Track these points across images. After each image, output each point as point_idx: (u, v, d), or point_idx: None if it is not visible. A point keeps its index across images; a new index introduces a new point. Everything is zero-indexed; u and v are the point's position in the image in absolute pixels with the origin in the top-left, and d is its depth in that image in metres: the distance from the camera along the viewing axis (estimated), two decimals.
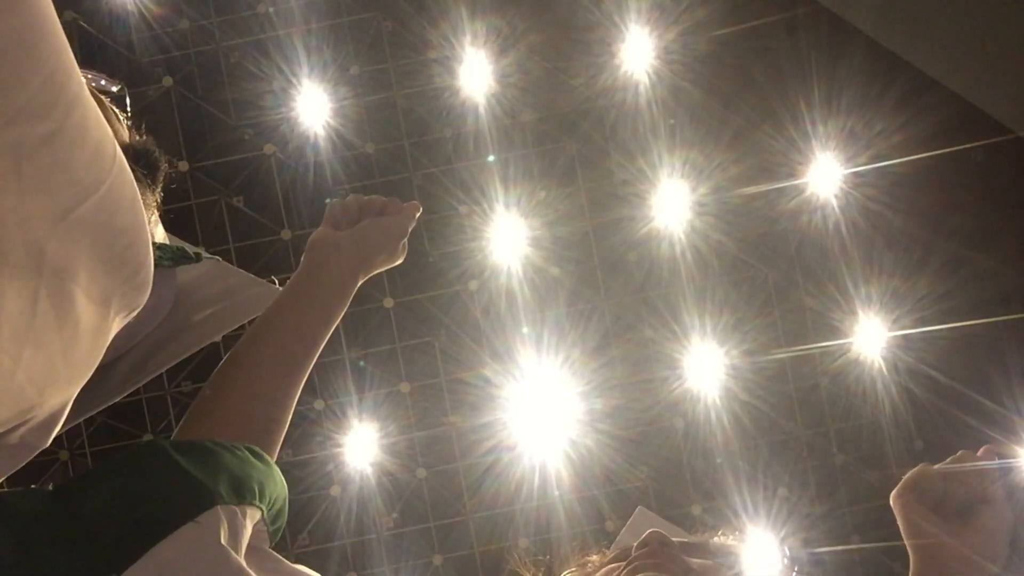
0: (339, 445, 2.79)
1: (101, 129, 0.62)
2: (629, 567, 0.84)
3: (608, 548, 0.98)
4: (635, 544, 0.87)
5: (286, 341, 0.86)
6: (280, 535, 0.76)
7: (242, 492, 0.67)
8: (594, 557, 0.95)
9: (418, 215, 1.02)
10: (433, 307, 2.95)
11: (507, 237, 2.78)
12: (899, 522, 0.87)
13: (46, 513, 0.61)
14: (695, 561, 0.87)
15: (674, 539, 0.88)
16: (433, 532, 2.88)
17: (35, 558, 0.58)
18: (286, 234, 2.88)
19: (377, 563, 2.85)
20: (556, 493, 2.73)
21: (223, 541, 0.61)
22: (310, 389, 2.83)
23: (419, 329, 2.94)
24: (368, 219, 0.97)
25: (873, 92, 2.72)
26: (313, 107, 2.79)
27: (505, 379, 2.74)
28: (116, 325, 0.70)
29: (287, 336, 0.86)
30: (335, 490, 2.82)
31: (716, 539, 0.95)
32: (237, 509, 0.65)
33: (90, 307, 0.64)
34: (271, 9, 2.86)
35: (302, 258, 0.94)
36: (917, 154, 2.57)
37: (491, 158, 2.84)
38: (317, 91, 2.79)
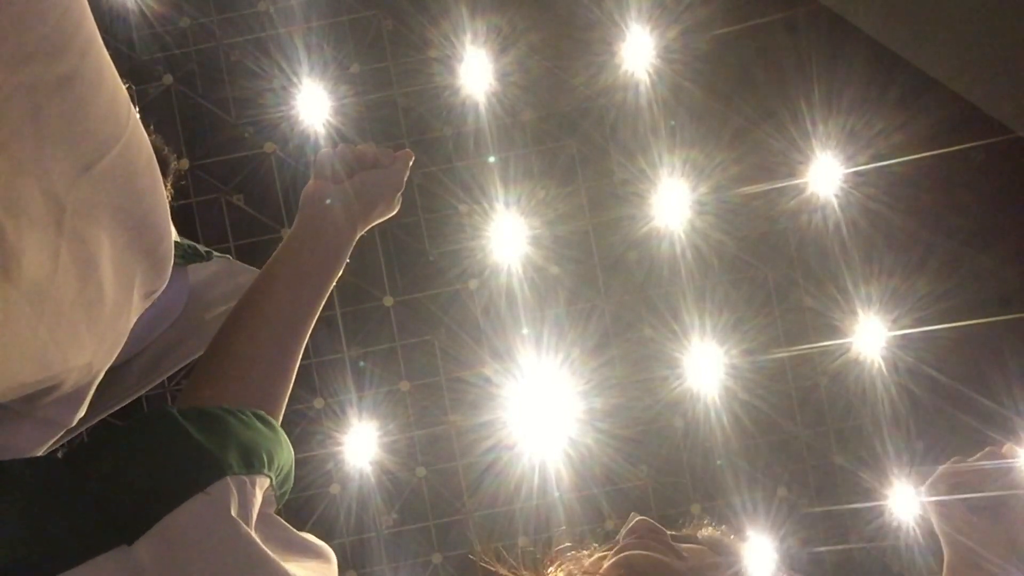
0: (339, 443, 2.79)
1: (115, 78, 0.60)
2: (617, 548, 0.85)
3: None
4: (625, 531, 0.88)
5: (285, 301, 0.84)
6: (286, 498, 0.76)
7: (251, 461, 0.67)
8: (585, 552, 0.96)
9: (411, 163, 1.00)
10: (433, 306, 2.95)
11: (507, 236, 2.77)
12: (931, 514, 0.89)
13: (54, 481, 0.60)
14: (683, 545, 0.87)
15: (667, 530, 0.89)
16: (432, 531, 2.88)
17: (43, 527, 0.57)
18: (286, 232, 2.87)
19: (376, 561, 2.85)
20: (556, 492, 2.73)
21: (233, 512, 0.61)
22: (309, 387, 2.83)
23: (419, 328, 2.94)
24: (363, 172, 0.95)
25: (873, 91, 2.72)
26: (313, 105, 2.79)
27: (505, 378, 2.74)
28: (138, 306, 0.69)
29: (286, 296, 0.84)
30: (335, 488, 2.82)
31: (704, 531, 0.96)
32: (246, 479, 0.64)
33: (113, 277, 0.63)
34: (272, 7, 2.85)
35: (297, 214, 0.92)
36: (917, 154, 2.57)
37: (492, 159, 2.84)
38: (317, 89, 2.79)
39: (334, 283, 0.90)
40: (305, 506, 2.81)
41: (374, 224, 0.97)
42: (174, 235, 1.01)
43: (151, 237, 0.67)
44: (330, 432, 2.80)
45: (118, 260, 0.63)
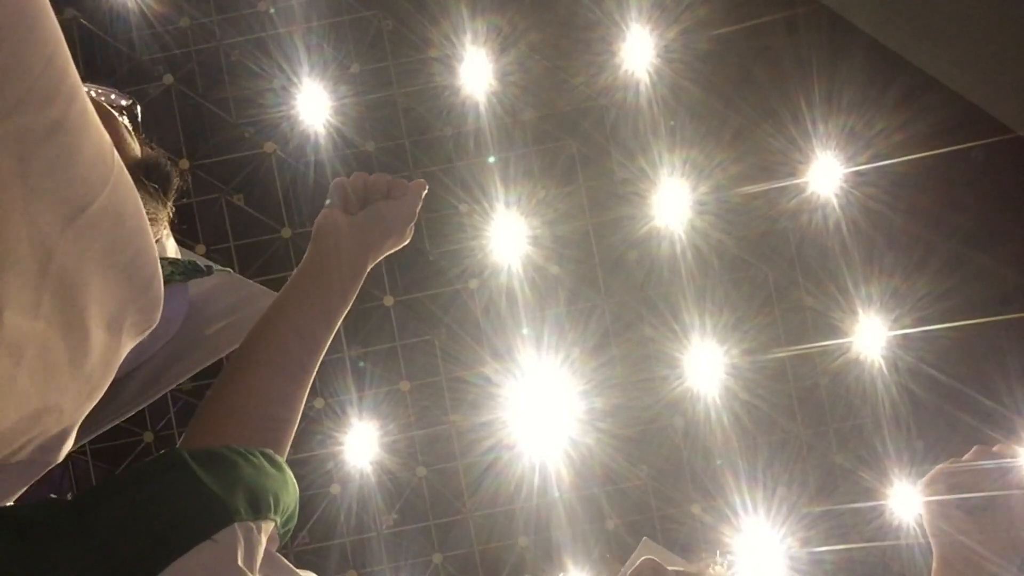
0: (339, 443, 2.79)
1: (99, 124, 0.59)
2: None
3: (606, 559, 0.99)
4: (629, 572, 0.88)
5: (291, 339, 0.84)
6: (289, 536, 0.76)
7: (258, 506, 0.66)
8: None
9: (424, 193, 0.99)
10: (433, 305, 2.95)
11: (507, 236, 2.77)
12: (923, 514, 0.90)
13: (60, 526, 0.59)
14: None
15: (669, 568, 0.88)
16: (433, 531, 2.88)
17: (48, 573, 0.56)
18: (286, 232, 2.88)
19: (377, 561, 2.85)
20: (556, 492, 2.73)
21: (239, 561, 0.60)
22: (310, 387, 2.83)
23: (419, 327, 2.94)
24: (375, 203, 0.94)
25: (873, 91, 2.72)
26: (313, 105, 2.79)
27: (505, 378, 2.74)
28: (128, 344, 0.68)
29: (292, 334, 0.84)
30: (335, 488, 2.82)
31: (712, 570, 0.95)
32: (253, 525, 0.64)
33: (101, 322, 0.62)
34: (272, 7, 2.85)
35: (309, 245, 0.91)
36: (918, 153, 2.57)
37: (492, 159, 2.84)
38: (317, 89, 2.79)
39: (345, 313, 0.89)
40: (306, 506, 2.81)
41: (386, 255, 0.96)
42: (176, 253, 1.01)
43: (140, 279, 0.65)
44: (330, 432, 2.81)
45: (107, 305, 0.62)
